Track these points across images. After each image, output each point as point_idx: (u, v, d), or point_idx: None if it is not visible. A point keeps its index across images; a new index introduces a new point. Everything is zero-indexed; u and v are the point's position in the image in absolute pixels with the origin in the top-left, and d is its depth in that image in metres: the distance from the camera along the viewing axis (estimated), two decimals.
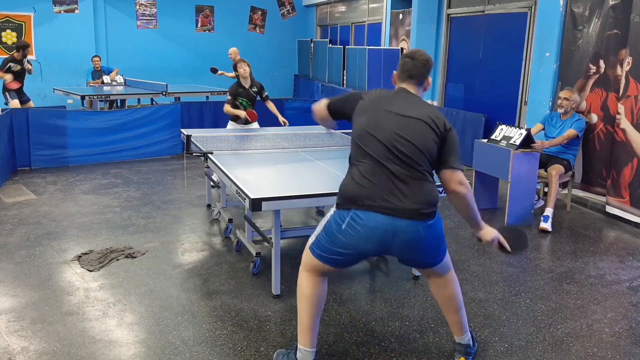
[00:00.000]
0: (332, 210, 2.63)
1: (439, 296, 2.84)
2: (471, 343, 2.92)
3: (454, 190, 2.54)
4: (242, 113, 6.00)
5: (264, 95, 6.28)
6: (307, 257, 2.70)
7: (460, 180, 2.53)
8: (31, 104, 8.61)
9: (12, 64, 8.24)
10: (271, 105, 6.34)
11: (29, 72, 8.49)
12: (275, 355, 2.85)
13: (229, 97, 6.09)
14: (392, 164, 2.47)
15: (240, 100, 6.06)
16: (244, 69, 6.05)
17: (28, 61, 8.46)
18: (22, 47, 8.34)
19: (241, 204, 4.94)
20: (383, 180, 2.47)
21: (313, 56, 13.54)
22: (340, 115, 2.83)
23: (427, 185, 2.52)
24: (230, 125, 6.22)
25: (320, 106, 2.87)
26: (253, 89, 6.17)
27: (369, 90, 2.79)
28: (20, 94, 8.52)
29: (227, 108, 6.05)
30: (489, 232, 2.70)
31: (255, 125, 6.19)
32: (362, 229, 2.47)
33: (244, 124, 6.14)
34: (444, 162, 2.55)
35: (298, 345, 2.74)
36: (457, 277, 3.98)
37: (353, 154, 2.62)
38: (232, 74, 10.23)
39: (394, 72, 2.77)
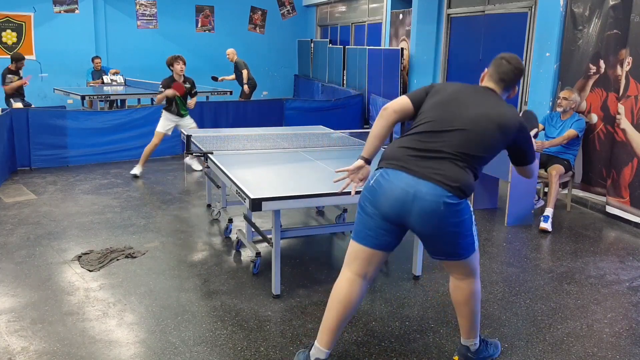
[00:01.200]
0: None
1: (453, 296, 2.78)
2: (476, 349, 2.84)
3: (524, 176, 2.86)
4: (169, 92, 6.48)
5: (193, 92, 6.85)
6: (349, 247, 2.69)
7: (531, 171, 2.82)
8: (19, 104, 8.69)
9: (9, 76, 8.42)
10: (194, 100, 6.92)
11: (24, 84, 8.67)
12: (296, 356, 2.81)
13: (161, 89, 6.63)
14: (442, 145, 2.48)
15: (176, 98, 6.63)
16: (180, 67, 6.63)
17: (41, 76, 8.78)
18: (16, 60, 8.50)
19: (241, 204, 4.93)
20: (422, 155, 2.49)
21: (313, 56, 13.54)
22: (420, 104, 2.68)
23: (462, 171, 2.47)
24: (164, 116, 6.72)
25: (398, 101, 2.69)
26: (186, 85, 6.70)
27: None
28: (22, 98, 8.59)
29: (158, 97, 6.61)
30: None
31: (189, 120, 6.78)
32: (386, 184, 2.50)
33: (177, 114, 6.69)
34: (519, 161, 2.74)
35: (315, 342, 2.72)
36: None
37: (410, 127, 2.64)
38: (232, 76, 10.24)
39: (485, 69, 2.77)
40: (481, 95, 2.62)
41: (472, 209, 2.58)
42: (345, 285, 2.64)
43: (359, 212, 2.62)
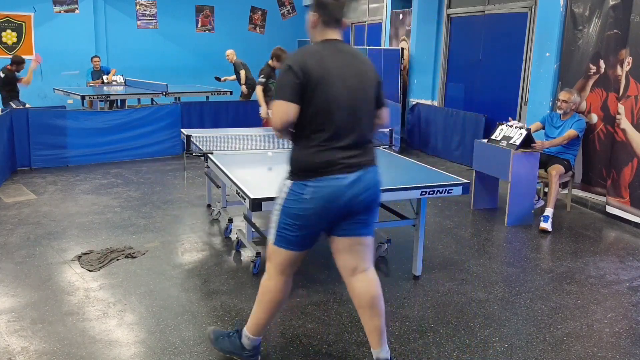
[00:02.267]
0: None
1: (368, 294, 2.62)
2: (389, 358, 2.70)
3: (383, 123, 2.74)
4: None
5: None
6: (283, 255, 2.74)
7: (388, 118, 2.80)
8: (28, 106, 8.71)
9: (17, 74, 8.44)
10: None
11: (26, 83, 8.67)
12: (211, 334, 2.90)
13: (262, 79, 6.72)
14: (348, 135, 2.51)
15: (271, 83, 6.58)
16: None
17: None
18: (18, 63, 8.50)
19: (241, 204, 4.93)
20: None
21: None
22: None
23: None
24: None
25: (282, 108, 2.42)
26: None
27: (294, 58, 2.46)
28: (18, 98, 8.60)
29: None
30: None
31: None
32: (321, 191, 2.57)
33: None
34: (380, 102, 2.68)
35: (245, 331, 2.77)
36: (457, 277, 4.01)
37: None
38: (233, 77, 10.25)
39: (313, 18, 2.53)
40: (344, 55, 2.54)
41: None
42: (285, 289, 2.69)
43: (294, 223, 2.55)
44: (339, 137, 2.46)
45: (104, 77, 10.79)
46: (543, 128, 5.73)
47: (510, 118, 5.66)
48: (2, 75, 8.41)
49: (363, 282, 2.63)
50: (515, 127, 5.32)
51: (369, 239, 2.64)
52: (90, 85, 10.85)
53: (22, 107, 8.42)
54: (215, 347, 2.90)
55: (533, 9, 6.96)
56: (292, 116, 2.40)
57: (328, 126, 2.43)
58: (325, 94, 2.41)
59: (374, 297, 2.63)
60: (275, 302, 2.69)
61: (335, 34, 2.54)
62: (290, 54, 2.58)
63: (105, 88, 10.44)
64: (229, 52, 10.08)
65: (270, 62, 6.71)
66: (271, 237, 2.60)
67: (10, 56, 9.03)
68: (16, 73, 8.53)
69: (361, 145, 2.54)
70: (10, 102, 8.45)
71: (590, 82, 5.87)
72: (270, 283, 2.68)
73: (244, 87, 9.83)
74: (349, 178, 2.46)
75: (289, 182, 2.51)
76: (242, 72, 9.82)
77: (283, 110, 2.39)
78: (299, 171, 2.47)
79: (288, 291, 2.72)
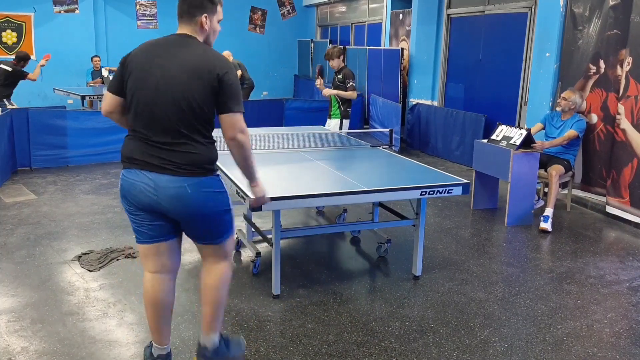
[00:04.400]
0: None
1: (203, 282, 2.69)
2: (215, 349, 2.68)
3: (234, 137, 2.41)
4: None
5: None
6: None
7: (241, 127, 2.42)
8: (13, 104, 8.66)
9: (24, 70, 8.38)
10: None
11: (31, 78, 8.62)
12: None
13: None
14: (154, 131, 2.41)
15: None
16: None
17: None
18: (23, 59, 8.43)
19: (241, 204, 4.94)
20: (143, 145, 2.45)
21: (313, 56, 13.54)
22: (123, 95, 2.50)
23: (192, 149, 2.42)
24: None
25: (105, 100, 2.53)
26: (338, 76, 6.32)
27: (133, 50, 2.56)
28: (9, 99, 8.56)
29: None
30: (261, 189, 2.72)
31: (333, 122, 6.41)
32: (125, 183, 2.49)
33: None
34: (223, 107, 2.40)
35: (152, 342, 2.73)
36: (457, 277, 4.01)
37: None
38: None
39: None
40: (170, 47, 2.48)
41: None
42: (147, 286, 2.65)
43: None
44: (143, 131, 2.43)
45: (104, 69, 10.77)
46: (543, 129, 5.73)
47: (498, 123, 5.66)
48: (10, 69, 8.33)
49: (204, 271, 2.71)
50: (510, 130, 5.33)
51: (209, 246, 2.63)
52: (91, 85, 10.85)
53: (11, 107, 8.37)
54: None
55: (533, 9, 6.96)
56: (107, 104, 2.52)
57: (132, 118, 2.45)
58: (131, 85, 2.43)
59: (206, 286, 2.68)
60: (145, 300, 2.67)
61: (183, 29, 2.54)
62: None
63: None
64: (225, 54, 10.11)
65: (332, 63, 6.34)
66: None
67: (11, 56, 9.00)
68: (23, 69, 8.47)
69: (165, 146, 2.40)
70: (4, 100, 8.39)
71: (590, 82, 5.88)
72: (143, 279, 2.69)
73: None
74: (143, 175, 2.42)
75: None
76: (238, 73, 9.85)
77: (104, 99, 2.56)
78: (121, 157, 2.53)
79: (159, 291, 2.64)
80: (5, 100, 8.38)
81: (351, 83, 6.19)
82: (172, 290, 2.70)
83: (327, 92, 6.31)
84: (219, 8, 2.56)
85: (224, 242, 2.63)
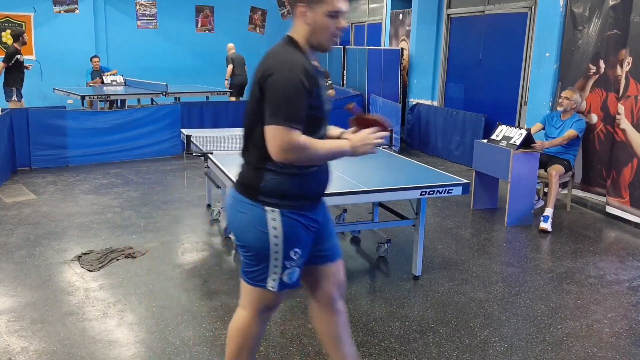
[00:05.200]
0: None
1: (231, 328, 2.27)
2: None
3: (277, 159, 1.95)
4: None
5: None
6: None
7: (280, 145, 1.90)
8: (23, 103, 8.60)
9: (18, 56, 8.25)
10: None
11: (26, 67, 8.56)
12: None
13: None
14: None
15: None
16: None
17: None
18: (21, 34, 8.32)
19: None
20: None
21: None
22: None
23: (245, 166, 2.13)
24: None
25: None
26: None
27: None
28: (20, 91, 8.50)
29: None
30: (358, 144, 2.08)
31: None
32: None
33: None
34: (262, 119, 1.97)
35: None
36: (457, 277, 4.01)
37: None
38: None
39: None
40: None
41: (282, 231, 2.06)
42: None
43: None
44: None
45: (103, 75, 10.78)
46: (543, 129, 5.73)
47: (498, 123, 5.66)
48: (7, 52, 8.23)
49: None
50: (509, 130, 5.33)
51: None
52: (90, 86, 10.85)
53: (20, 101, 8.31)
54: None
55: (533, 9, 6.97)
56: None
57: None
58: None
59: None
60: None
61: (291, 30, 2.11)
62: None
63: (105, 88, 10.44)
64: (229, 46, 10.77)
65: None
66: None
67: (10, 34, 8.89)
68: (20, 55, 8.34)
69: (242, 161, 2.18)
70: (14, 89, 8.29)
71: (590, 82, 5.88)
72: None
73: (226, 82, 10.23)
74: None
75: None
76: (229, 67, 10.22)
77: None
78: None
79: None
80: (15, 89, 8.31)
81: (330, 82, 6.40)
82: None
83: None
84: None
85: (245, 282, 2.21)
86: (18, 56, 8.22)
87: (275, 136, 1.90)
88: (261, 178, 2.05)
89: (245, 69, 10.79)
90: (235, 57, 10.62)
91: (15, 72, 8.26)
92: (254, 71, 2.04)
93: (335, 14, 1.98)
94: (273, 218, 2.04)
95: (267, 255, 2.08)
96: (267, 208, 2.04)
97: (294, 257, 2.11)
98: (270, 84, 1.91)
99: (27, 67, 8.51)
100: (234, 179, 2.20)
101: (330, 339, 2.36)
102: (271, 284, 2.13)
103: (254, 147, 2.06)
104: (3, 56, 8.31)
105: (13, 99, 8.32)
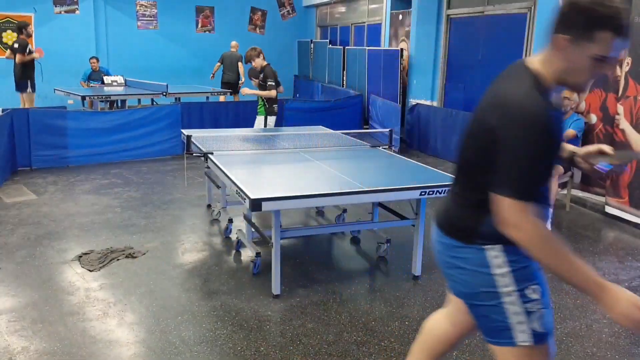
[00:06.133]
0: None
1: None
2: None
3: (503, 230, 1.65)
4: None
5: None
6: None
7: (506, 219, 1.62)
8: (33, 95, 8.64)
9: (29, 47, 8.31)
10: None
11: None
12: None
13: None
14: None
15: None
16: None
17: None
18: (25, 26, 8.36)
19: (241, 204, 4.95)
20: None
21: (313, 57, 13.54)
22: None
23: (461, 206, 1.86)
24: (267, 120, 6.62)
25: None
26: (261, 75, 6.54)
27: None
28: (33, 84, 8.54)
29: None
30: (617, 302, 1.59)
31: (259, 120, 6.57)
32: None
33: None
34: (491, 180, 1.66)
35: None
36: None
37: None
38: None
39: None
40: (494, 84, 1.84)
41: (510, 268, 1.74)
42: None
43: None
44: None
45: (105, 77, 10.80)
46: None
47: None
48: (17, 45, 8.25)
49: None
50: None
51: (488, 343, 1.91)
52: (90, 86, 10.86)
53: (34, 92, 8.29)
54: None
55: (532, 10, 6.97)
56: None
57: None
58: None
59: None
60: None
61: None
62: None
63: (105, 89, 10.45)
64: (232, 44, 11.17)
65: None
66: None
67: (12, 57, 8.97)
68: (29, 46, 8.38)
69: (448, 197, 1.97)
70: (28, 81, 8.30)
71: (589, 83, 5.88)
72: None
73: (211, 75, 10.90)
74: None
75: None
76: (217, 65, 11.08)
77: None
78: None
79: None
80: (29, 81, 8.32)
81: (270, 82, 6.44)
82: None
83: (245, 91, 6.67)
84: (602, 37, 1.58)
85: (492, 345, 1.82)
86: (29, 47, 8.26)
87: (506, 210, 1.62)
88: (481, 220, 1.76)
89: (238, 68, 10.98)
90: (227, 55, 10.95)
91: (28, 63, 8.31)
92: (486, 102, 1.75)
93: (603, 59, 1.63)
94: (495, 256, 1.75)
95: (500, 301, 1.75)
96: (487, 246, 1.76)
97: (534, 296, 1.74)
98: (509, 140, 1.60)
99: (35, 57, 8.57)
100: (438, 218, 1.94)
101: (433, 345, 2.25)
102: (521, 337, 1.73)
103: (471, 185, 1.79)
104: (10, 51, 8.34)
105: (28, 90, 8.34)
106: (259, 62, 6.52)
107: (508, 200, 1.60)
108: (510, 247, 1.71)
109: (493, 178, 1.63)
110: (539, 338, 1.74)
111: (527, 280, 1.74)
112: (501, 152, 1.61)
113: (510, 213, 1.60)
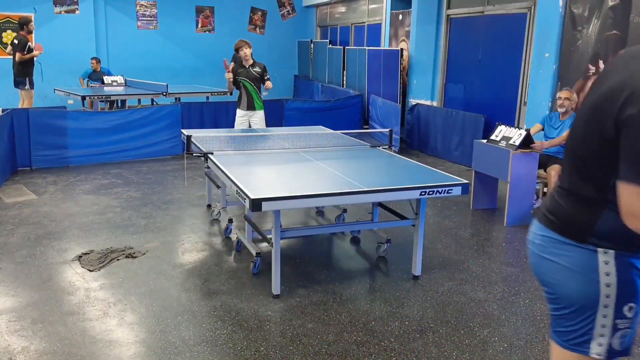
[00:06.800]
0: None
1: None
2: None
3: (626, 221, 1.49)
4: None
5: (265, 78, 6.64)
6: None
7: (630, 206, 1.46)
8: (32, 92, 8.64)
9: (29, 44, 8.29)
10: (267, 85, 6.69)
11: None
12: None
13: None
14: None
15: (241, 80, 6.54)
16: (244, 52, 6.47)
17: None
18: (27, 23, 8.35)
19: (241, 204, 4.95)
20: None
21: (313, 57, 13.55)
22: None
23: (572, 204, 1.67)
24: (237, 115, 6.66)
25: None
26: (255, 69, 6.54)
27: None
28: (31, 80, 8.53)
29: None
30: None
31: (259, 116, 6.57)
32: None
33: (248, 108, 6.57)
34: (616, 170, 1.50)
35: None
36: (457, 277, 4.02)
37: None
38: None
39: None
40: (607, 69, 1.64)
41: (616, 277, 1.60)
42: None
43: None
44: None
45: (105, 79, 10.81)
46: (543, 130, 5.74)
47: (498, 123, 5.67)
48: (16, 41, 8.23)
49: None
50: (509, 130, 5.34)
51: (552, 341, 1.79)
52: (90, 86, 10.87)
53: (33, 89, 8.27)
54: None
55: (532, 10, 6.97)
56: None
57: None
58: None
59: None
60: None
61: None
62: None
63: (105, 89, 10.45)
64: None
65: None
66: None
67: (11, 56, 8.97)
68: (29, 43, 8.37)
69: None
70: (26, 78, 8.29)
71: (590, 83, 5.88)
72: None
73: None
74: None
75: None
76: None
77: None
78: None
79: None
80: (27, 78, 8.31)
81: (268, 75, 6.63)
82: None
83: (269, 86, 6.63)
84: None
85: (558, 344, 1.72)
86: (29, 44, 8.26)
87: (632, 198, 1.45)
88: (597, 216, 1.60)
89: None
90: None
91: (27, 60, 8.31)
92: (608, 80, 1.55)
93: None
94: (605, 261, 1.60)
95: (594, 311, 1.62)
96: (600, 249, 1.61)
97: (628, 315, 1.62)
98: (630, 117, 1.43)
99: (35, 55, 8.56)
100: (543, 214, 1.77)
101: None
102: (597, 349, 1.64)
103: (588, 177, 1.62)
104: (11, 47, 8.35)
105: (26, 87, 8.33)
106: (249, 52, 6.52)
107: (636, 188, 1.43)
108: (624, 256, 1.59)
109: (620, 166, 1.47)
110: (612, 355, 1.65)
111: (630, 297, 1.62)
112: (633, 134, 1.43)
113: (636, 201, 1.44)
